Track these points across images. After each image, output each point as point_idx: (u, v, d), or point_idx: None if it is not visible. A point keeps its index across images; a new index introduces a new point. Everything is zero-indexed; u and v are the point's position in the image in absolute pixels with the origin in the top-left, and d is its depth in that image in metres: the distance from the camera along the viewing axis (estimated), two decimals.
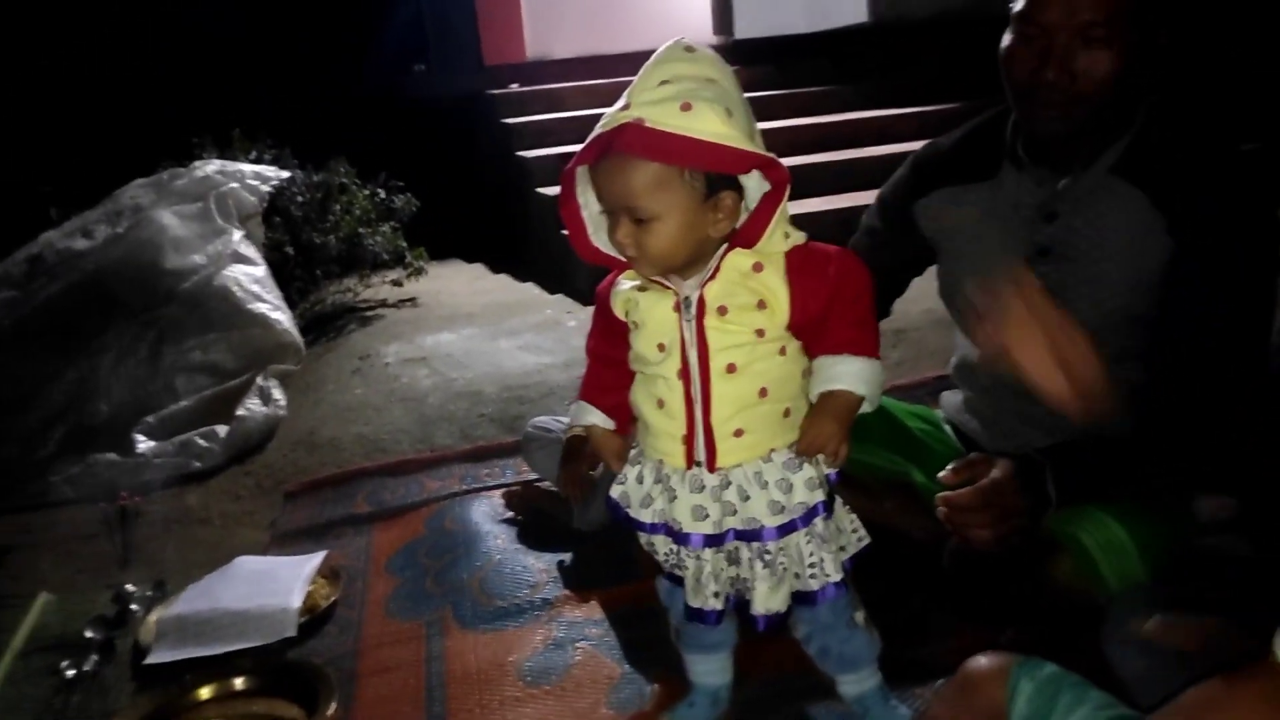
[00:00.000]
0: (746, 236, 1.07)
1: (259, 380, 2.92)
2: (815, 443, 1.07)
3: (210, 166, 3.58)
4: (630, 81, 1.01)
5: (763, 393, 1.09)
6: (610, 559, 1.82)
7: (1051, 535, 1.24)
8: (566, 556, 1.89)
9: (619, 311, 1.14)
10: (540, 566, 1.88)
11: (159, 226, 3.22)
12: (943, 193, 1.47)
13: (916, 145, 1.60)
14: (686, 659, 1.31)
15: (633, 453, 1.19)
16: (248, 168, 3.61)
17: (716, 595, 1.15)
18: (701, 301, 1.07)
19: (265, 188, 3.53)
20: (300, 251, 3.93)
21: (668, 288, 1.09)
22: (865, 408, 1.10)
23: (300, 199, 3.94)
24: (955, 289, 1.48)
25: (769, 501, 1.10)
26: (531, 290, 4.43)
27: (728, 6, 6.68)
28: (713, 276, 1.07)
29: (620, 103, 1.00)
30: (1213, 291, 1.23)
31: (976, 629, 1.35)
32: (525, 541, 1.98)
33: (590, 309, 1.22)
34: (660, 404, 1.11)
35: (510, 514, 2.11)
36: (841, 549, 1.17)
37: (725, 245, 1.08)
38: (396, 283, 4.34)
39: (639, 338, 1.12)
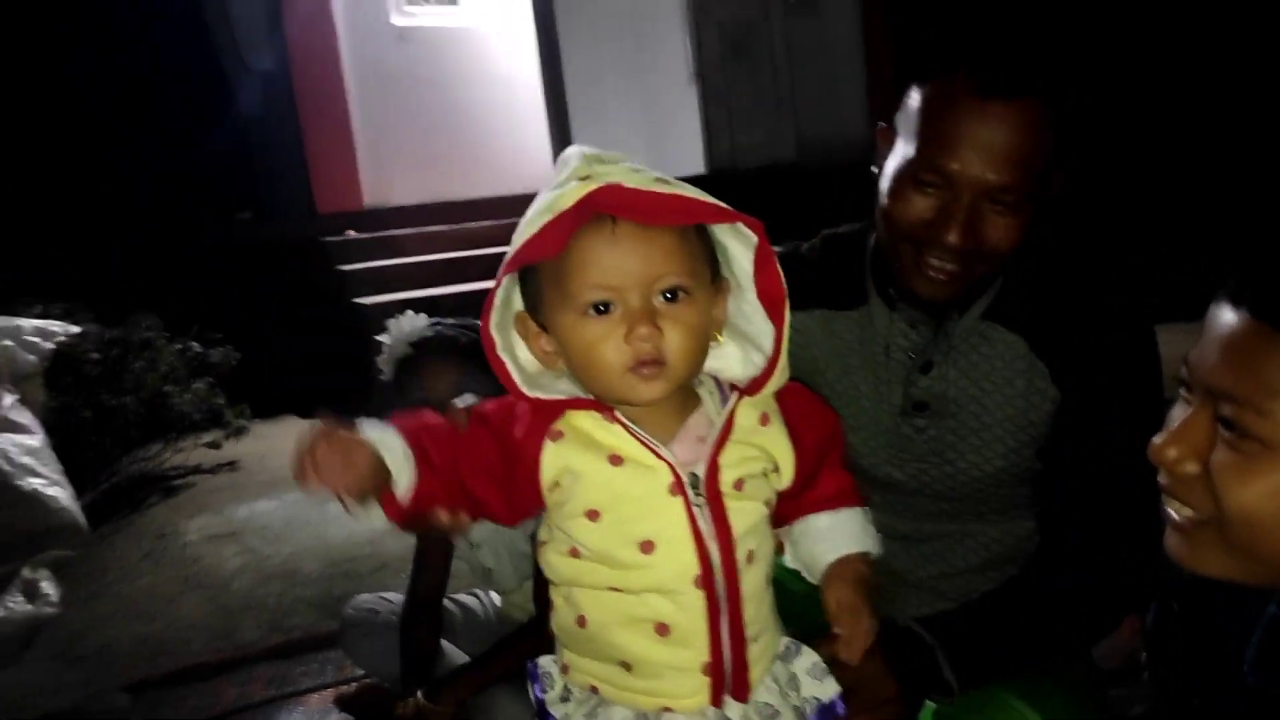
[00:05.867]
0: (760, 378, 0.84)
1: (25, 572, 2.50)
2: (859, 630, 0.86)
3: None
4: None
5: (768, 581, 0.87)
6: None
7: None
8: None
9: (547, 476, 0.80)
10: None
11: None
12: (814, 314, 1.24)
13: None
14: None
15: (588, 701, 0.84)
16: (28, 323, 3.22)
17: None
18: (714, 473, 0.80)
19: (48, 345, 3.13)
20: (96, 416, 3.51)
21: (660, 457, 0.79)
22: None
23: (95, 356, 3.54)
24: None
25: (793, 709, 0.85)
26: None
27: None
28: (724, 437, 0.82)
29: (562, 184, 0.76)
30: (1102, 444, 1.11)
31: None
32: None
33: None
34: (663, 630, 0.79)
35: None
36: None
37: (735, 394, 0.84)
38: (213, 445, 3.98)
39: (598, 532, 0.79)
